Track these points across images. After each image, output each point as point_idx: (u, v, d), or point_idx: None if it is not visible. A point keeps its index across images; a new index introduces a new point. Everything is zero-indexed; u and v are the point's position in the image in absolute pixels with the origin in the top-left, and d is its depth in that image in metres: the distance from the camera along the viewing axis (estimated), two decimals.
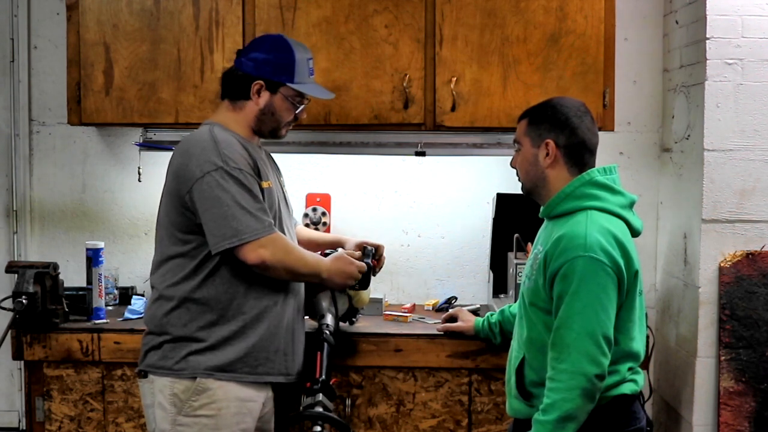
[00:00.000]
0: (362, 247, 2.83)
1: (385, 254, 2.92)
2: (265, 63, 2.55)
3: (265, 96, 2.56)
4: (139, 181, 3.40)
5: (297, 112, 2.62)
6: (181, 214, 2.46)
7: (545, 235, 2.34)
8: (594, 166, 2.35)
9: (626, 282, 2.22)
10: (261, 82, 2.55)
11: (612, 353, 2.20)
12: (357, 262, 2.68)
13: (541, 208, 2.38)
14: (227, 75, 2.61)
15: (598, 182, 2.29)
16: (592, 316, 2.15)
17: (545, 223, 2.40)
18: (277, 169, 2.83)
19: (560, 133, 2.30)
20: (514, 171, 2.43)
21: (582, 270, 2.16)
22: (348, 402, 2.94)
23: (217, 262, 2.45)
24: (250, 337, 2.48)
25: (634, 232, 2.32)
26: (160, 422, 2.49)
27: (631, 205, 2.34)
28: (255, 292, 2.49)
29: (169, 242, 2.50)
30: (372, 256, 2.82)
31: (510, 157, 2.45)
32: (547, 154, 2.31)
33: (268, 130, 2.61)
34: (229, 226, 2.39)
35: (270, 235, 2.43)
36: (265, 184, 2.51)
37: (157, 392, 2.49)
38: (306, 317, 2.73)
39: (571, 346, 2.16)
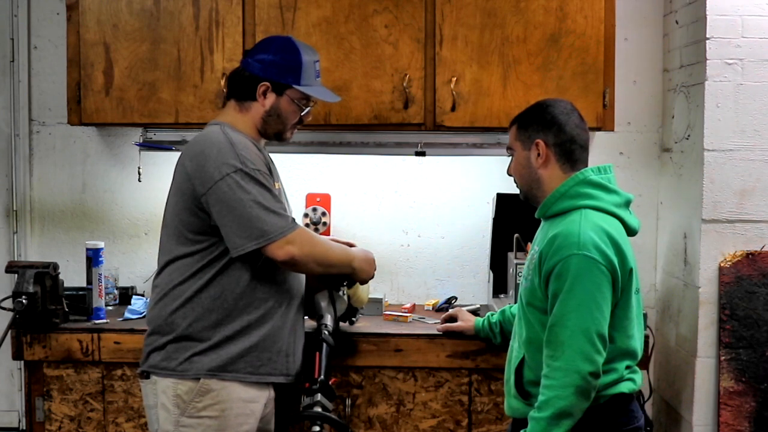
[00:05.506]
0: None
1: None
2: (272, 65, 2.53)
3: (270, 98, 2.55)
4: (139, 181, 3.41)
5: (302, 114, 2.60)
6: (194, 215, 2.45)
7: (541, 235, 2.35)
8: (587, 163, 2.37)
9: (621, 280, 2.22)
10: (267, 83, 2.53)
11: (609, 351, 2.21)
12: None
13: (537, 209, 2.39)
14: (234, 75, 2.60)
15: (593, 181, 2.30)
16: (586, 314, 2.16)
17: (542, 223, 2.41)
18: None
19: (548, 131, 2.32)
20: (512, 179, 2.44)
21: (576, 268, 2.17)
22: (348, 402, 2.94)
23: (225, 263, 2.45)
24: (252, 337, 2.48)
25: (631, 231, 2.33)
26: (163, 423, 2.48)
27: (626, 203, 2.35)
28: (261, 293, 2.49)
29: (177, 243, 2.49)
30: None
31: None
32: (539, 155, 2.33)
33: (273, 132, 2.60)
34: (255, 227, 2.38)
35: (295, 230, 2.43)
36: (276, 185, 2.51)
37: (160, 393, 2.48)
38: (305, 317, 2.73)
39: (565, 344, 2.16)
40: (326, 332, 2.69)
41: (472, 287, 3.56)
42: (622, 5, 3.30)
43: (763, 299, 3.02)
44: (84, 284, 3.12)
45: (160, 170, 3.41)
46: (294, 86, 2.55)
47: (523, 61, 3.09)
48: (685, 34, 3.22)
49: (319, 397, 2.57)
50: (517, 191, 2.45)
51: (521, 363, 2.34)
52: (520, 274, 3.03)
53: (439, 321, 3.04)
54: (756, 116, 3.02)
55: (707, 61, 3.01)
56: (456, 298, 3.45)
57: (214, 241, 2.45)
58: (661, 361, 3.41)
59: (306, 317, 2.72)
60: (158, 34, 3.12)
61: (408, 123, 3.12)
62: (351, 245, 2.77)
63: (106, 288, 3.16)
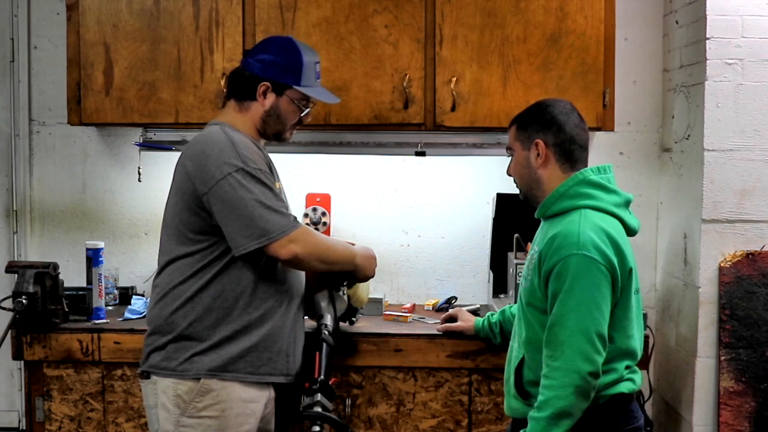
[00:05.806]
0: None
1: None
2: (272, 65, 2.54)
3: (270, 98, 2.55)
4: (139, 181, 3.41)
5: (302, 115, 2.60)
6: (196, 214, 2.45)
7: (541, 235, 2.35)
8: (587, 162, 2.37)
9: (620, 280, 2.22)
10: (267, 83, 2.53)
11: (609, 351, 2.21)
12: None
13: (537, 209, 2.39)
14: (234, 75, 2.60)
15: (592, 181, 2.30)
16: (585, 314, 2.16)
17: (542, 223, 2.41)
18: None
19: (548, 131, 2.33)
20: (512, 179, 2.44)
21: (575, 268, 2.17)
22: (348, 402, 2.94)
23: (225, 263, 2.45)
24: (253, 336, 2.47)
25: (630, 231, 2.33)
26: (163, 423, 2.48)
27: (626, 203, 2.35)
28: (261, 293, 2.49)
29: (177, 243, 2.49)
30: None
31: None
32: (538, 155, 2.33)
33: (272, 132, 2.60)
34: (257, 225, 2.38)
35: (298, 229, 2.44)
36: (276, 185, 2.51)
37: (161, 393, 2.48)
38: (305, 317, 2.73)
39: (564, 344, 2.16)
40: (326, 332, 2.68)
41: (472, 287, 3.56)
42: (622, 5, 3.30)
43: (763, 299, 3.02)
44: (84, 284, 3.12)
45: (160, 170, 3.41)
46: (294, 87, 2.55)
47: (523, 61, 3.09)
48: (685, 34, 3.22)
49: (319, 397, 2.57)
50: (517, 191, 2.45)
51: (521, 363, 2.34)
52: (520, 274, 3.04)
53: (439, 321, 3.04)
54: (756, 116, 3.02)
55: (707, 61, 3.01)
56: (456, 298, 3.45)
57: (214, 240, 2.45)
58: (661, 361, 3.41)
59: (306, 317, 2.72)
60: (158, 34, 3.12)
61: (408, 123, 3.12)
62: (351, 245, 2.77)
63: (106, 288, 3.16)
